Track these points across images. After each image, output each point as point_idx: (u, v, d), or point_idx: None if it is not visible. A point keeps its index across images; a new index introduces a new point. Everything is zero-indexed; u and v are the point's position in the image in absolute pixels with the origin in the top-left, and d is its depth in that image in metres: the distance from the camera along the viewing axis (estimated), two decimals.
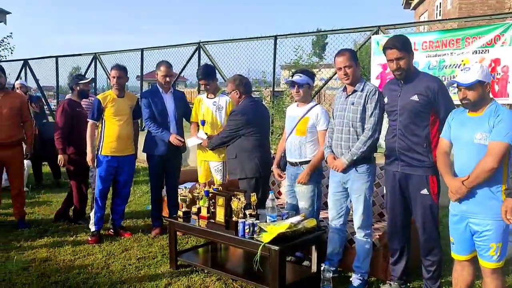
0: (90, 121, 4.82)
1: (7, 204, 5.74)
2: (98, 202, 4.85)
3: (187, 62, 9.58)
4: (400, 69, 3.34)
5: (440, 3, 16.94)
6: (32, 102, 7.37)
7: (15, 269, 4.03)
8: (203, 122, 4.79)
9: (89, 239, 4.79)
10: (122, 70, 4.88)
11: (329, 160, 3.74)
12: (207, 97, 4.87)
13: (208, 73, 4.82)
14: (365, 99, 3.55)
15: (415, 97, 3.28)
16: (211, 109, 4.79)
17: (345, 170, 3.65)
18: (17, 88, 7.45)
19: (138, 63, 10.68)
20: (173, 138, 4.85)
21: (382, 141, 3.74)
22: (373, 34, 7.02)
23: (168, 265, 4.14)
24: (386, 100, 3.50)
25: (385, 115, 3.63)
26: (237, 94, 4.33)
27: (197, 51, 9.31)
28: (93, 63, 11.51)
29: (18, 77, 13.63)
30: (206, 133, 4.74)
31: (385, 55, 3.41)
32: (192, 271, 4.03)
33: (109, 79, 10.97)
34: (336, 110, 3.78)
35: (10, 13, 12.01)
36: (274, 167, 4.29)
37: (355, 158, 3.55)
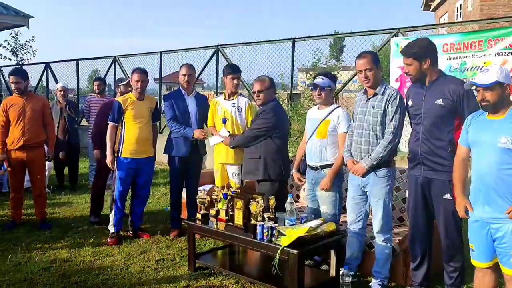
0: (110, 124, 4.87)
1: (28, 205, 5.84)
2: (117, 204, 4.89)
3: (205, 65, 9.63)
4: (409, 74, 3.36)
5: (461, 5, 16.70)
6: (70, 106, 7.46)
7: (37, 269, 4.09)
8: (225, 120, 4.74)
9: (108, 240, 4.83)
10: (143, 73, 4.92)
11: (349, 164, 3.71)
12: (225, 99, 4.87)
13: (238, 69, 4.89)
14: (386, 102, 3.52)
15: (440, 101, 3.24)
16: (230, 111, 4.79)
17: (364, 174, 3.61)
18: (59, 91, 7.56)
19: (156, 65, 10.78)
20: (197, 133, 4.86)
21: (400, 145, 3.70)
22: (392, 37, 6.94)
23: (186, 267, 4.15)
24: (410, 103, 3.46)
25: (406, 119, 3.60)
26: (266, 94, 4.27)
27: (216, 54, 9.34)
28: (112, 66, 11.63)
29: (40, 80, 13.91)
30: (229, 131, 4.69)
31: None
32: (210, 273, 4.03)
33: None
34: (356, 113, 3.75)
35: (33, 17, 12.18)
36: (294, 171, 4.27)
37: (375, 162, 3.52)
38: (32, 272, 4.03)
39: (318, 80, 3.94)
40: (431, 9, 20.88)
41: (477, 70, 6.15)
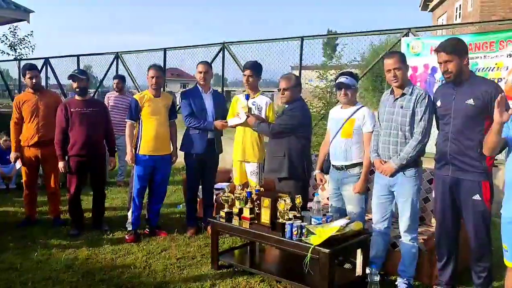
0: (128, 121, 4.84)
1: (42, 202, 5.78)
2: (135, 201, 4.87)
3: (211, 62, 9.55)
4: (448, 72, 3.33)
5: (460, 5, 16.81)
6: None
7: (59, 267, 4.07)
8: (247, 96, 4.66)
9: (127, 237, 4.82)
10: (160, 70, 4.92)
11: (376, 164, 3.72)
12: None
13: (256, 66, 4.82)
14: (414, 102, 3.53)
15: (470, 101, 3.26)
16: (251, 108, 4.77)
17: (392, 174, 3.64)
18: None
19: (160, 63, 10.72)
20: (218, 123, 4.86)
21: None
22: (403, 36, 6.97)
23: (209, 266, 4.16)
24: (439, 103, 3.48)
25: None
26: (292, 92, 4.24)
27: (221, 52, 9.31)
28: (115, 62, 11.54)
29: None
30: (247, 112, 4.56)
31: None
32: (234, 271, 4.04)
33: (132, 78, 11.16)
34: (382, 113, 3.77)
35: (33, 11, 12.04)
36: (317, 171, 4.27)
37: (404, 162, 3.54)
38: (55, 269, 4.02)
39: (343, 79, 3.95)
40: (429, 9, 21.00)
41: (488, 71, 6.21)
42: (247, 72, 4.77)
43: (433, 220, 4.23)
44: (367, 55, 12.18)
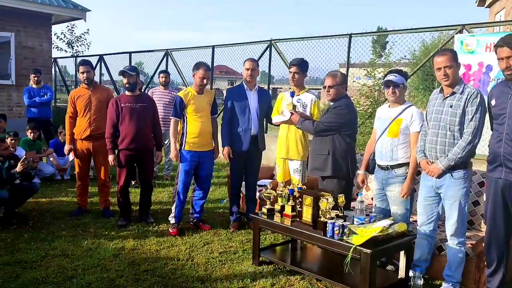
0: (173, 119, 4.93)
1: (93, 193, 6.04)
2: (179, 196, 4.98)
3: (258, 59, 9.61)
4: (510, 69, 3.16)
5: None
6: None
7: (108, 255, 4.23)
8: (293, 94, 4.63)
9: (170, 230, 4.94)
10: (208, 70, 4.93)
11: (423, 165, 3.62)
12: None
13: (302, 63, 4.76)
14: (465, 102, 3.40)
15: None
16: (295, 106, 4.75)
17: (439, 176, 3.52)
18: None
19: (207, 60, 10.89)
20: (225, 151, 5.02)
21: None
22: (456, 33, 6.71)
23: (249, 261, 4.19)
24: (493, 102, 3.32)
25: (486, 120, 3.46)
26: (337, 90, 4.20)
27: (268, 49, 9.33)
28: (164, 59, 11.84)
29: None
30: (292, 109, 4.55)
31: (496, 53, 3.24)
32: (274, 268, 4.06)
33: (181, 75, 11.40)
34: (430, 112, 3.65)
35: (90, 10, 12.59)
36: (361, 172, 4.20)
37: (452, 163, 3.42)
38: (103, 258, 4.18)
39: (392, 77, 3.86)
40: (486, 5, 20.04)
41: None
42: (293, 69, 4.74)
43: (483, 224, 4.08)
44: (418, 52, 11.85)
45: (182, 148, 4.92)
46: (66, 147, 5.58)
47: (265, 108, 5.10)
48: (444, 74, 3.47)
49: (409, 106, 3.87)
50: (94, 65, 13.59)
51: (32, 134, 7.31)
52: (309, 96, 4.74)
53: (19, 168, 4.99)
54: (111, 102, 5.22)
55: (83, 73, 5.42)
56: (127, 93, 5.22)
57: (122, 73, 5.18)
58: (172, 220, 5.04)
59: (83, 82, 5.48)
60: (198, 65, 4.93)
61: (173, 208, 5.05)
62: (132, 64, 13.27)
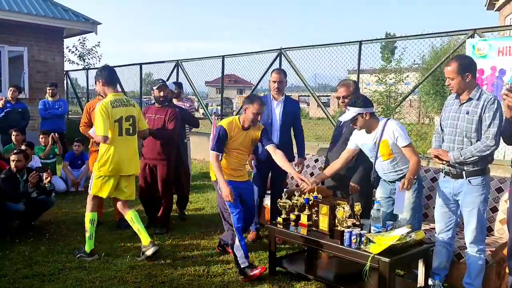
0: (214, 153, 4.20)
1: (107, 204, 6.07)
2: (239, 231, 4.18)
3: (268, 68, 9.64)
4: None
5: None
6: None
7: (124, 267, 4.25)
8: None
9: (255, 272, 4.02)
10: (263, 105, 4.29)
11: (433, 151, 3.60)
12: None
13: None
14: (482, 108, 3.38)
15: None
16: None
17: (456, 182, 3.50)
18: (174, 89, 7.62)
19: (218, 69, 10.96)
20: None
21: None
22: (467, 38, 6.68)
23: (266, 271, 4.17)
24: None
25: None
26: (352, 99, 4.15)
27: (278, 58, 9.36)
28: (175, 70, 11.93)
29: None
30: None
31: None
32: (291, 277, 4.04)
33: (192, 85, 11.45)
34: (446, 118, 3.63)
35: (101, 23, 12.75)
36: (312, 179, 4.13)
37: (461, 158, 3.41)
38: (120, 269, 4.20)
39: (342, 118, 3.93)
40: (495, 8, 19.92)
41: None
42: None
43: (502, 231, 4.03)
44: (428, 58, 11.79)
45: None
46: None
47: (290, 117, 5.00)
48: (448, 84, 3.50)
49: (386, 122, 3.82)
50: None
51: (43, 139, 7.51)
52: None
53: (31, 181, 5.08)
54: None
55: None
56: (156, 104, 5.35)
57: (160, 86, 5.25)
58: (244, 263, 4.06)
59: (98, 94, 5.59)
60: (252, 99, 4.25)
61: (236, 248, 4.12)
62: (142, 75, 13.42)
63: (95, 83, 4.72)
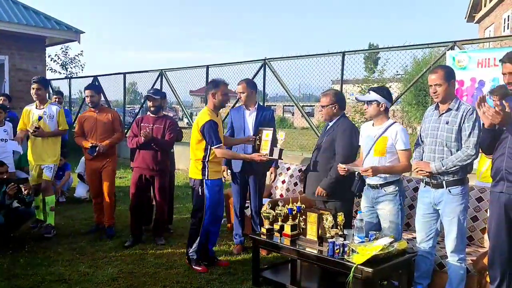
0: (219, 148, 4.33)
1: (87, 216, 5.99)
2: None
3: (252, 78, 9.66)
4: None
5: (509, 16, 16.25)
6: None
7: (106, 279, 4.18)
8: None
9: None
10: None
11: (414, 164, 3.65)
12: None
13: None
14: (461, 118, 3.44)
15: None
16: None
17: (437, 191, 3.55)
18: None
19: (202, 79, 10.96)
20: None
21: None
22: (448, 50, 6.81)
23: (250, 282, 4.15)
24: None
25: None
26: (335, 109, 4.23)
27: (263, 68, 9.40)
28: (159, 79, 11.88)
29: None
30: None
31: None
32: None
33: (175, 94, 11.39)
34: (426, 128, 3.68)
35: (84, 32, 12.65)
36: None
37: (443, 168, 3.46)
38: (101, 282, 4.13)
39: (358, 95, 4.02)
40: (475, 21, 20.42)
41: None
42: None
43: (483, 240, 4.08)
44: (410, 69, 11.99)
45: (206, 178, 4.41)
46: (89, 144, 5.50)
47: (263, 125, 4.98)
48: (434, 92, 3.54)
49: (393, 123, 3.86)
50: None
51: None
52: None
53: (8, 193, 4.99)
54: (134, 121, 5.44)
55: (87, 97, 5.62)
56: (151, 114, 5.32)
57: (147, 97, 5.29)
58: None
59: (88, 105, 5.70)
60: (216, 83, 4.47)
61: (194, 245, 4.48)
62: (126, 85, 13.34)
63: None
